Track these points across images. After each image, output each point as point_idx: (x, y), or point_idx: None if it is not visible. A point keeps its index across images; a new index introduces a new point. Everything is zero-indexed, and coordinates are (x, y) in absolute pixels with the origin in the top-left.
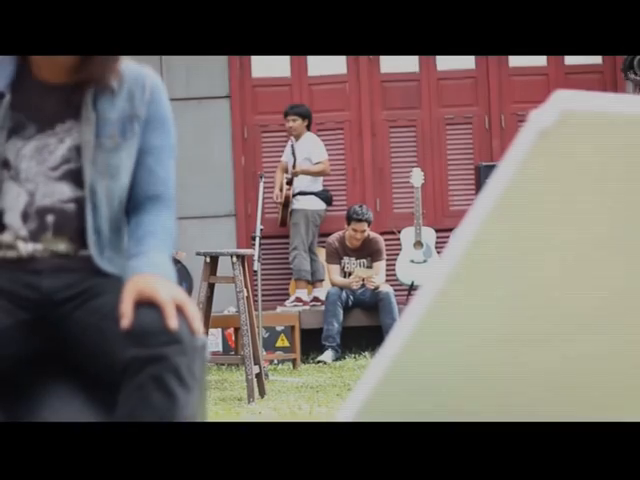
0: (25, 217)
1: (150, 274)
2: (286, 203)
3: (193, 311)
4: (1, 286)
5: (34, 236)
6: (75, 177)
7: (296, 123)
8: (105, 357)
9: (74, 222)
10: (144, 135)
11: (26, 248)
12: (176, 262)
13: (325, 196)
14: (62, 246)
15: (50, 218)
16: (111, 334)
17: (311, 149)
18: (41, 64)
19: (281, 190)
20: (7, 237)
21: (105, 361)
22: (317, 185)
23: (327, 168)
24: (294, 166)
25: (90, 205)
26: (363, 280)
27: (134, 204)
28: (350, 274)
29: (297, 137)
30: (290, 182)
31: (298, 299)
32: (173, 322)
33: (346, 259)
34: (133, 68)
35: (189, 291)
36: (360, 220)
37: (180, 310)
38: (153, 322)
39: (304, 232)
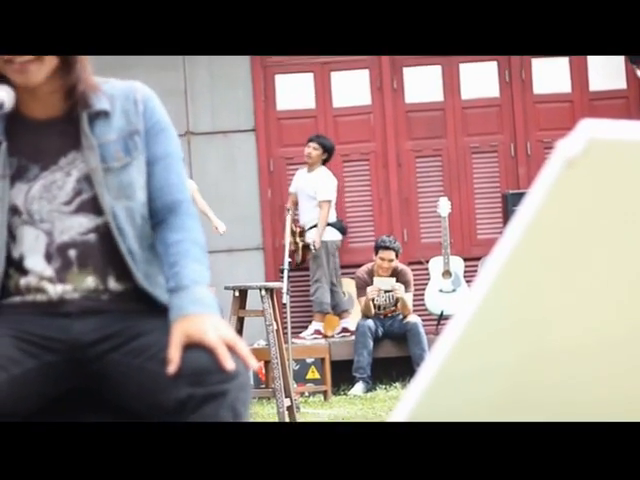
0: (48, 257)
1: (195, 315)
2: (304, 255)
3: (244, 348)
4: (30, 330)
5: (60, 274)
6: (91, 207)
7: (315, 152)
8: (150, 397)
9: (97, 252)
10: (147, 147)
11: (55, 289)
12: None
13: (340, 226)
14: (89, 279)
15: (72, 253)
16: (158, 375)
17: (318, 185)
18: (28, 103)
19: (294, 235)
20: (33, 280)
21: (150, 401)
22: (331, 216)
23: (328, 211)
24: (301, 231)
25: (116, 230)
26: (389, 292)
27: (155, 218)
28: (380, 307)
29: (311, 167)
30: (303, 234)
31: (317, 331)
32: (229, 363)
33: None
34: (120, 86)
35: None
36: (387, 248)
37: (231, 349)
38: (207, 362)
39: (325, 264)
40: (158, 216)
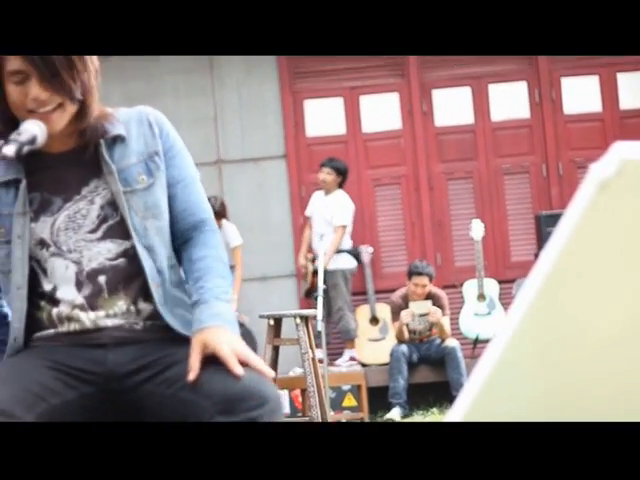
0: (78, 285)
1: (212, 327)
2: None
3: (257, 360)
4: (67, 362)
5: (91, 301)
6: (117, 232)
7: (330, 177)
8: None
9: (127, 275)
10: (166, 170)
11: (88, 317)
12: (240, 325)
13: (356, 253)
14: (120, 303)
15: (102, 279)
16: (191, 404)
17: (336, 210)
18: (49, 142)
19: (306, 261)
20: (65, 310)
21: None
22: (347, 242)
23: (342, 237)
24: (314, 257)
25: (144, 251)
26: (424, 315)
27: (180, 239)
28: (414, 331)
29: (327, 192)
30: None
31: (352, 358)
32: (238, 369)
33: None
34: (131, 112)
35: None
36: (420, 274)
37: (243, 362)
38: (238, 389)
39: (345, 292)
40: (183, 236)
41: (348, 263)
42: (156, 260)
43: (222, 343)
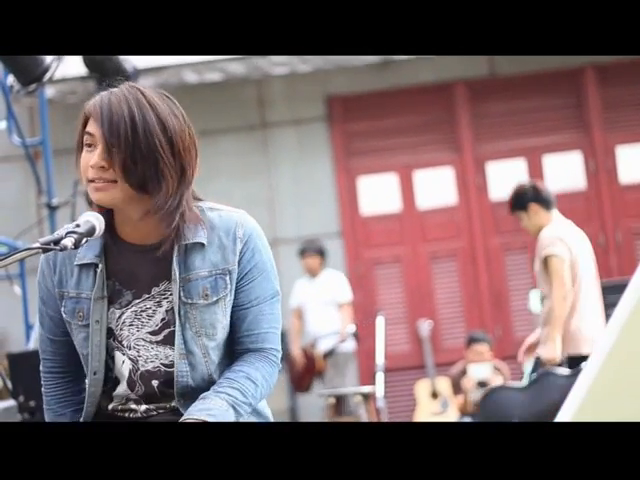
0: (131, 385)
1: (193, 419)
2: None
3: None
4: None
5: (144, 398)
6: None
7: (315, 260)
8: None
9: (179, 383)
10: (242, 289)
11: (140, 408)
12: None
13: (357, 335)
14: (173, 402)
15: (155, 382)
16: None
17: (337, 288)
18: (125, 227)
19: (306, 356)
20: (120, 402)
21: None
22: (351, 324)
23: (351, 312)
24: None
25: (187, 367)
26: (484, 385)
27: (236, 358)
28: (477, 403)
29: (314, 275)
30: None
31: None
32: None
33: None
34: (225, 216)
35: None
36: (479, 341)
37: None
38: None
39: (346, 373)
40: (238, 356)
41: (352, 346)
42: (196, 380)
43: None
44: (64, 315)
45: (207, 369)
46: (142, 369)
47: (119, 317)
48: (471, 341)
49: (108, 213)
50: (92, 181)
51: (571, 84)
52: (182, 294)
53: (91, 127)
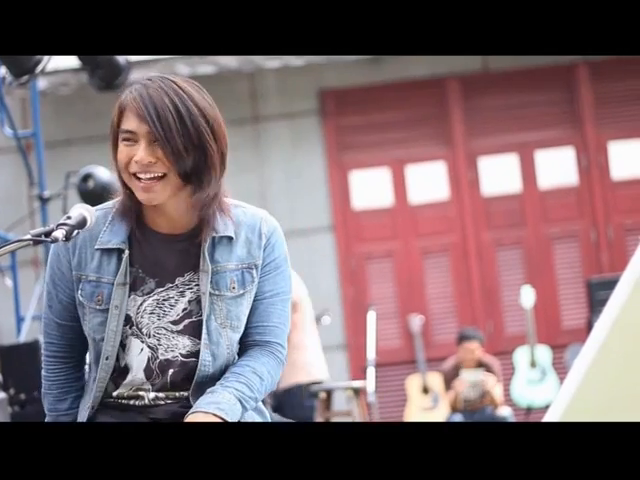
0: (148, 372)
1: (200, 413)
2: None
3: None
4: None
5: (155, 387)
6: (197, 330)
7: None
8: None
9: (192, 374)
10: (259, 282)
11: (148, 396)
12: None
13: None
14: (182, 393)
15: (170, 372)
16: None
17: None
18: (154, 216)
19: None
20: (132, 389)
21: None
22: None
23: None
24: None
25: (210, 357)
26: (477, 385)
27: (242, 351)
28: (467, 400)
29: None
30: None
31: None
32: None
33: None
34: (250, 213)
35: None
36: (470, 338)
37: None
38: None
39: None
40: (245, 349)
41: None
42: (216, 370)
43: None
44: (80, 298)
45: (227, 361)
46: (161, 357)
47: (140, 305)
48: (462, 338)
49: (133, 198)
50: (137, 177)
51: (563, 80)
52: (209, 286)
53: (131, 122)
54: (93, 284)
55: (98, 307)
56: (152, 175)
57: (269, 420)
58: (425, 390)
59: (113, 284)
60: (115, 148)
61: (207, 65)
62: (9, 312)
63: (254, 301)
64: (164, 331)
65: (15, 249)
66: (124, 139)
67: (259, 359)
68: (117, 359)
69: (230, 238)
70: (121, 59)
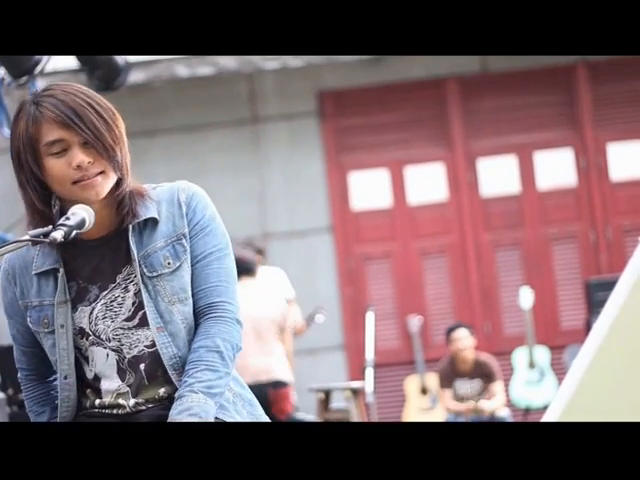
0: (121, 374)
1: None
2: None
3: None
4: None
5: (134, 390)
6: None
7: (256, 258)
8: None
9: (162, 361)
10: (190, 246)
11: (129, 404)
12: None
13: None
14: (161, 390)
15: (142, 366)
16: None
17: (284, 283)
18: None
19: None
20: (110, 398)
21: None
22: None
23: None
24: None
25: (169, 337)
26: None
27: (196, 322)
28: (463, 398)
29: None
30: None
31: None
32: None
33: (459, 382)
34: (167, 189)
35: None
36: (456, 328)
37: None
38: None
39: None
40: (197, 320)
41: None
42: (180, 347)
43: None
44: (31, 325)
45: (188, 334)
46: (128, 356)
47: (90, 314)
48: (449, 332)
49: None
50: (78, 182)
51: (562, 81)
52: (145, 270)
53: (55, 133)
54: (37, 309)
55: (46, 330)
56: (93, 176)
57: (256, 405)
58: (424, 391)
59: (54, 304)
60: (39, 168)
61: (206, 66)
62: None
63: (192, 267)
64: (121, 331)
65: (13, 250)
66: (52, 153)
67: (208, 332)
68: (84, 373)
69: (154, 220)
70: (120, 60)
